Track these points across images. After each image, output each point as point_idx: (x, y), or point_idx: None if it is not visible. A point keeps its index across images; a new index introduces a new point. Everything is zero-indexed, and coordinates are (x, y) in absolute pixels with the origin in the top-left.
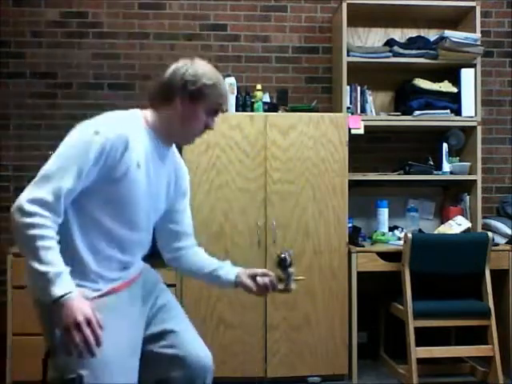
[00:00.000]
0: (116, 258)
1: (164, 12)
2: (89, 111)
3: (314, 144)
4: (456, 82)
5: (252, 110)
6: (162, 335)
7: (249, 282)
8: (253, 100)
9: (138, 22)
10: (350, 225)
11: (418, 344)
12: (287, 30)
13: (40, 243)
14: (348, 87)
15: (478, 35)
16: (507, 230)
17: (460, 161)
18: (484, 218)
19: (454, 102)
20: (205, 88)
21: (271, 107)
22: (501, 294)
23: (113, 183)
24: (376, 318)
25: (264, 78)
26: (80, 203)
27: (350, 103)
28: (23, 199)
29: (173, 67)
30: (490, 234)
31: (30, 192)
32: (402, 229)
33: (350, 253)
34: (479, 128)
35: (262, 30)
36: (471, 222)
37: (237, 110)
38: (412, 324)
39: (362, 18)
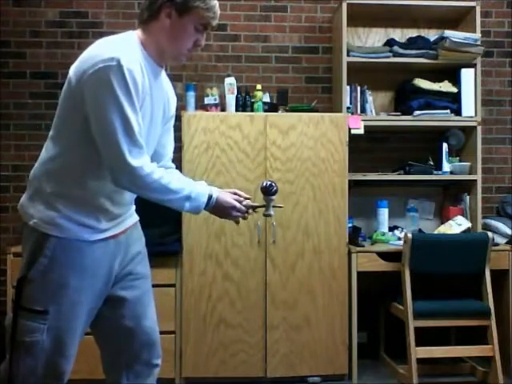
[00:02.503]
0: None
1: None
2: None
3: (314, 144)
4: (456, 82)
5: (252, 110)
6: (119, 301)
7: None
8: (253, 100)
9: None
10: (350, 225)
11: (417, 344)
12: (287, 30)
13: (164, 182)
14: (348, 87)
15: (478, 35)
16: (507, 230)
17: (460, 161)
18: (484, 218)
19: (454, 101)
20: (192, 0)
21: (271, 107)
22: (501, 294)
23: None
24: (376, 317)
25: (264, 78)
26: (87, 138)
27: (350, 103)
28: (127, 161)
29: None
30: (490, 234)
31: (119, 150)
32: (402, 229)
33: (350, 253)
34: (479, 128)
35: (262, 30)
36: (471, 222)
37: (237, 110)
38: (412, 324)
39: (362, 17)
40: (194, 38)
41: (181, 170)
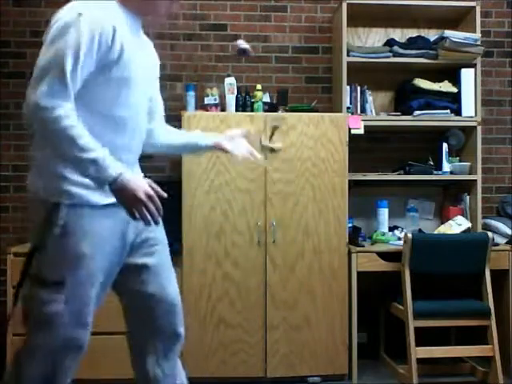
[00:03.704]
0: (121, 144)
1: None
2: None
3: (314, 144)
4: (456, 82)
5: (252, 110)
6: (141, 268)
7: (228, 144)
8: (253, 100)
9: None
10: (350, 225)
11: (417, 344)
12: (287, 30)
13: (74, 132)
14: (348, 87)
15: (478, 35)
16: (507, 230)
17: (460, 161)
18: (484, 218)
19: (454, 102)
20: None
21: (271, 107)
22: (501, 294)
23: (111, 67)
24: (376, 318)
25: (264, 77)
26: (82, 96)
27: (350, 103)
28: (35, 97)
29: None
30: (490, 233)
31: (37, 87)
32: (402, 229)
33: (350, 253)
34: (479, 128)
35: (262, 30)
36: (471, 222)
37: (237, 110)
38: (412, 324)
39: (362, 17)
40: None
41: (181, 171)
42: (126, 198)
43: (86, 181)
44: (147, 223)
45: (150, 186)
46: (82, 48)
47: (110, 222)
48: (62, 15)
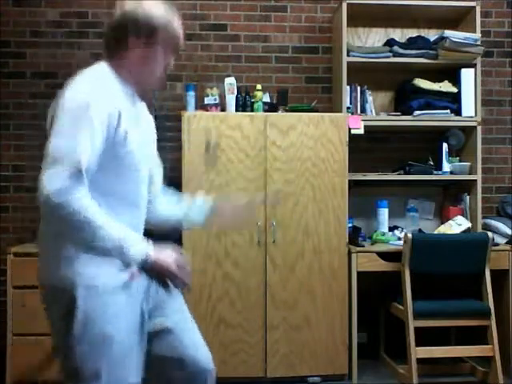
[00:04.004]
0: (136, 221)
1: None
2: None
3: (314, 144)
4: (456, 82)
5: (252, 110)
6: (159, 334)
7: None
8: (253, 100)
9: None
10: (350, 225)
11: (417, 344)
12: (287, 30)
13: (96, 223)
14: (348, 87)
15: (478, 35)
16: (507, 230)
17: (460, 161)
18: (484, 218)
19: (454, 101)
20: (158, 26)
21: (271, 107)
22: (501, 294)
23: (117, 149)
24: (376, 318)
25: (264, 77)
26: (93, 180)
27: (350, 103)
28: (50, 193)
29: (121, 10)
30: (490, 234)
31: (51, 180)
32: (402, 229)
33: (350, 253)
34: (479, 128)
35: (262, 30)
36: (471, 222)
37: (237, 110)
38: (412, 324)
39: (362, 17)
40: (164, 62)
41: (181, 171)
42: (157, 273)
43: (99, 260)
44: (180, 290)
45: (177, 255)
46: (94, 138)
47: (129, 298)
48: (71, 97)
